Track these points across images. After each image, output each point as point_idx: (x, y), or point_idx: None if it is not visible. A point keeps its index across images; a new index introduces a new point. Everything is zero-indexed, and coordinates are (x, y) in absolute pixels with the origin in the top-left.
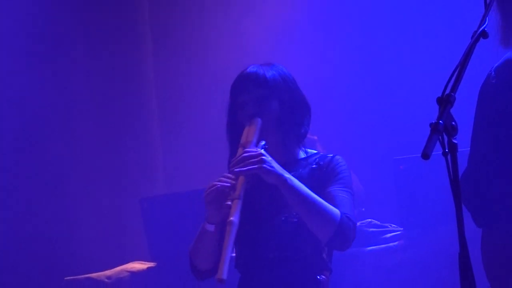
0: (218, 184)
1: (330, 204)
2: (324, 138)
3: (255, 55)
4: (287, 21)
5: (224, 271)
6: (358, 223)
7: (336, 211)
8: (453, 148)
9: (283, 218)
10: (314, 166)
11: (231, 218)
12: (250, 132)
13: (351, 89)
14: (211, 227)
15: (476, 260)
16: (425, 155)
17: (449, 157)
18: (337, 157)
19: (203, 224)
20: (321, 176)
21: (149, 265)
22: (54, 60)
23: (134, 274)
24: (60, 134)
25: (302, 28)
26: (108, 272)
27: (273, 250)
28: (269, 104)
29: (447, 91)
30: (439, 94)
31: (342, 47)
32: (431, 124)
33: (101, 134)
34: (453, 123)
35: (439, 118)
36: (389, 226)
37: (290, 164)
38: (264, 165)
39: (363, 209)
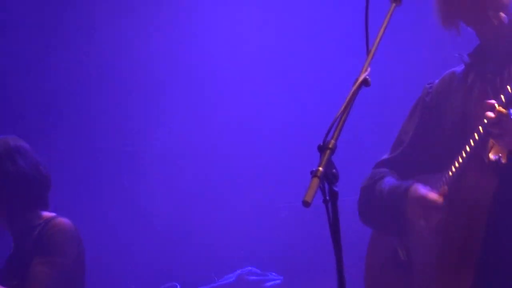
0: None
1: (28, 284)
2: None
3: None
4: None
5: None
6: (239, 271)
7: None
8: (333, 195)
9: None
10: (36, 232)
11: None
12: None
13: (234, 135)
14: None
15: None
16: (306, 203)
17: (329, 205)
18: (56, 220)
19: None
20: (37, 244)
21: None
22: None
23: None
24: None
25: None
26: None
27: None
28: None
29: (328, 138)
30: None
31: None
32: (311, 172)
33: None
34: (334, 170)
35: (320, 165)
36: (269, 275)
37: (24, 232)
38: None
39: (242, 251)
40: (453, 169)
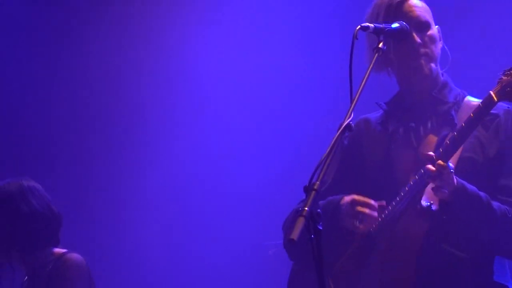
0: None
1: None
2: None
3: None
4: None
5: None
6: None
7: None
8: (318, 233)
9: None
10: (47, 269)
11: None
12: None
13: (224, 179)
14: None
15: None
16: (292, 241)
17: (314, 241)
18: (67, 256)
19: None
20: (50, 282)
21: None
22: None
23: None
24: None
25: None
26: None
27: None
28: None
29: (314, 180)
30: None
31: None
32: (297, 211)
33: None
34: (318, 210)
35: (305, 206)
36: None
37: (38, 270)
38: None
39: None
40: (387, 212)
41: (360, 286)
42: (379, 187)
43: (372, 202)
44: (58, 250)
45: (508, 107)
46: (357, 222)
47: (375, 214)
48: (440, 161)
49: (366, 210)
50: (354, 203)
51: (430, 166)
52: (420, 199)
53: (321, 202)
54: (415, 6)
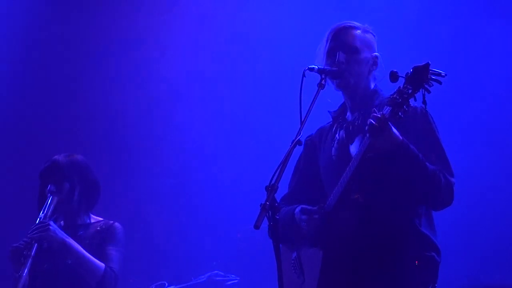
0: (16, 245)
1: (103, 259)
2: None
3: None
4: None
5: None
6: (208, 273)
7: (101, 265)
8: (275, 222)
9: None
10: (98, 228)
11: (20, 273)
12: (48, 206)
13: (209, 185)
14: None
15: None
16: (256, 227)
17: (272, 227)
18: (116, 223)
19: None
20: (102, 236)
21: None
22: None
23: None
24: None
25: None
26: None
27: None
28: (62, 185)
29: (273, 181)
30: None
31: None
32: (260, 205)
33: None
34: (276, 204)
35: (266, 201)
36: (230, 276)
37: (81, 226)
38: (49, 233)
39: (214, 263)
40: (327, 203)
41: (316, 263)
42: (327, 181)
43: (312, 210)
44: (96, 216)
45: (421, 106)
46: (303, 225)
47: (315, 221)
48: (379, 116)
49: (305, 217)
50: (299, 211)
51: (372, 121)
52: (351, 190)
53: (284, 208)
54: (348, 35)
